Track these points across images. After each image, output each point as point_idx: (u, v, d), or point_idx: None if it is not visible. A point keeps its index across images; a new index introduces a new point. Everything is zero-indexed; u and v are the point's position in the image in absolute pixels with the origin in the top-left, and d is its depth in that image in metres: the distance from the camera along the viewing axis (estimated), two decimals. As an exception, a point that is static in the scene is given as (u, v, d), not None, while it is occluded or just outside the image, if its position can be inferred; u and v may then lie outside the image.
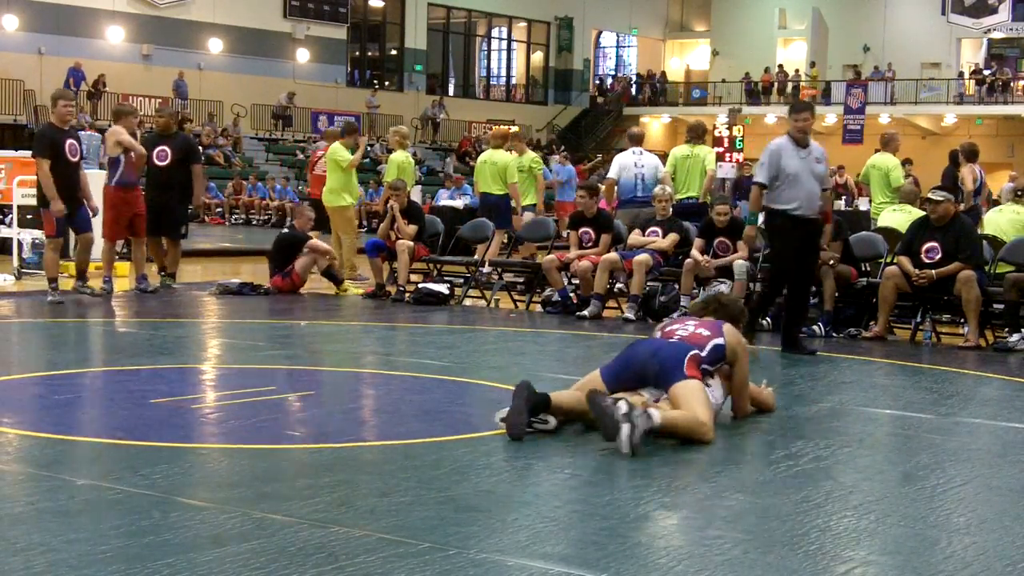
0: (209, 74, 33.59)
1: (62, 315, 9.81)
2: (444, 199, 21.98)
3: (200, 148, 16.81)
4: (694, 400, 5.33)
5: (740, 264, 10.26)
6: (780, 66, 42.02)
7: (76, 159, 10.64)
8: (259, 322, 10.12)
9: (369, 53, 40.60)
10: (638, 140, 13.10)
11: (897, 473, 5.15)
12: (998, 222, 10.64)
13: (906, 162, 15.29)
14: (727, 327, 5.83)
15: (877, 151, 13.69)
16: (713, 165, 12.97)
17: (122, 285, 11.75)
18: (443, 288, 11.69)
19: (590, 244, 11.05)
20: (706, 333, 5.72)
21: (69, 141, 10.59)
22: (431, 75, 40.74)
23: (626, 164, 12.75)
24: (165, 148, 11.91)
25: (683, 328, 5.80)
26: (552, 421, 5.48)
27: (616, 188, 12.79)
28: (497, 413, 5.51)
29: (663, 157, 13.70)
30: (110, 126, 13.32)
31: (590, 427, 5.49)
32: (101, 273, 11.36)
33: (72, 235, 11.23)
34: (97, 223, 11.26)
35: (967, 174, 13.59)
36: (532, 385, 5.40)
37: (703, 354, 5.59)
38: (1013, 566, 3.77)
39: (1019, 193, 10.82)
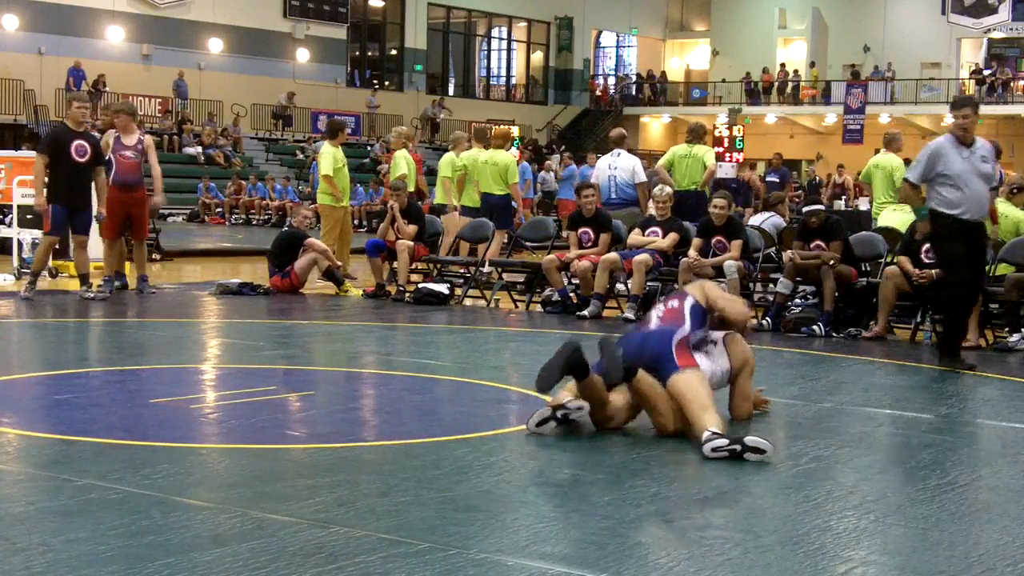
0: (209, 74, 33.59)
1: (62, 315, 9.81)
2: (444, 199, 21.92)
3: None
4: (691, 394, 5.31)
5: (730, 264, 10.28)
6: (781, 65, 42.02)
7: (84, 160, 10.57)
8: (259, 322, 10.12)
9: (369, 53, 40.59)
10: (616, 142, 13.00)
11: (897, 473, 5.15)
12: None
13: (905, 162, 15.26)
14: (690, 285, 5.96)
15: (878, 151, 13.67)
16: (713, 161, 13.05)
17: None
18: (443, 288, 11.70)
19: (589, 244, 11.04)
20: (676, 304, 5.79)
21: (77, 142, 10.54)
22: (431, 75, 40.73)
23: (601, 167, 12.84)
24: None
25: (656, 311, 5.87)
26: (586, 407, 5.45)
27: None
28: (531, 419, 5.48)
29: (661, 157, 13.68)
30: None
31: (598, 426, 5.52)
32: (102, 273, 11.36)
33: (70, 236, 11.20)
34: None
35: None
36: (581, 348, 5.37)
37: (687, 330, 5.62)
38: (1014, 565, 3.77)
39: (1014, 191, 10.56)
